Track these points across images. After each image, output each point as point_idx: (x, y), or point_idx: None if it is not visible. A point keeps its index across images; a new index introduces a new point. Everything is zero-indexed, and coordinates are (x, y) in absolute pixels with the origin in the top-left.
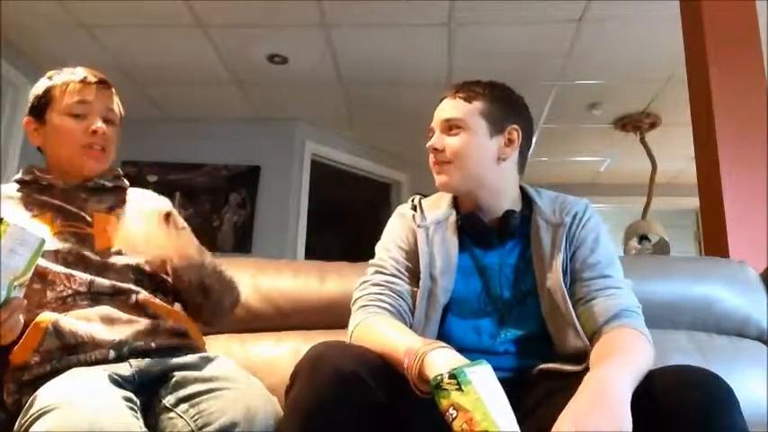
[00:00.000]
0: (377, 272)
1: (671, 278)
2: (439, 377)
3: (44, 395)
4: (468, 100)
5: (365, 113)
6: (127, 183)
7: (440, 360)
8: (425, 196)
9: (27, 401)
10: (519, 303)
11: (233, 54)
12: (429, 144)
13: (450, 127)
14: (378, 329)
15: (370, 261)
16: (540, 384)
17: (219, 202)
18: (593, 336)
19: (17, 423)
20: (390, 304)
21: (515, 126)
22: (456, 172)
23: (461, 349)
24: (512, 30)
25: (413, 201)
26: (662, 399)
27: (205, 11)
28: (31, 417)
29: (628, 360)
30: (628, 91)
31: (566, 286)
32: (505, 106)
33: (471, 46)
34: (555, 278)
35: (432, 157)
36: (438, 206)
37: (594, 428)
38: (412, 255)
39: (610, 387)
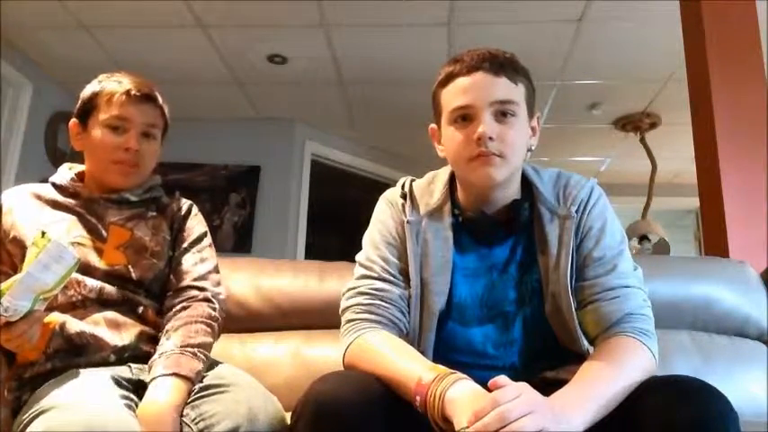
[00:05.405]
0: (364, 276)
1: (671, 278)
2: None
3: (43, 395)
4: (514, 80)
5: (365, 113)
6: (159, 193)
7: (463, 399)
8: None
9: (27, 398)
10: (524, 305)
11: (233, 54)
12: (481, 130)
13: (505, 113)
14: (375, 351)
15: (357, 258)
16: (545, 392)
17: (219, 202)
18: (595, 340)
19: (16, 420)
20: (382, 315)
21: (538, 112)
22: (505, 167)
23: (464, 366)
24: (512, 29)
25: (402, 187)
26: (655, 414)
27: (205, 11)
28: (29, 416)
29: (601, 383)
30: (628, 91)
31: (571, 287)
32: (533, 87)
33: (471, 46)
34: (561, 280)
35: (475, 148)
36: (430, 192)
37: None
38: (403, 252)
39: (557, 419)
